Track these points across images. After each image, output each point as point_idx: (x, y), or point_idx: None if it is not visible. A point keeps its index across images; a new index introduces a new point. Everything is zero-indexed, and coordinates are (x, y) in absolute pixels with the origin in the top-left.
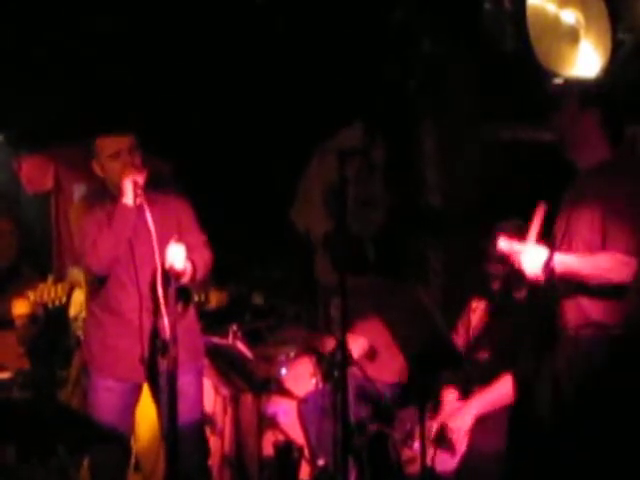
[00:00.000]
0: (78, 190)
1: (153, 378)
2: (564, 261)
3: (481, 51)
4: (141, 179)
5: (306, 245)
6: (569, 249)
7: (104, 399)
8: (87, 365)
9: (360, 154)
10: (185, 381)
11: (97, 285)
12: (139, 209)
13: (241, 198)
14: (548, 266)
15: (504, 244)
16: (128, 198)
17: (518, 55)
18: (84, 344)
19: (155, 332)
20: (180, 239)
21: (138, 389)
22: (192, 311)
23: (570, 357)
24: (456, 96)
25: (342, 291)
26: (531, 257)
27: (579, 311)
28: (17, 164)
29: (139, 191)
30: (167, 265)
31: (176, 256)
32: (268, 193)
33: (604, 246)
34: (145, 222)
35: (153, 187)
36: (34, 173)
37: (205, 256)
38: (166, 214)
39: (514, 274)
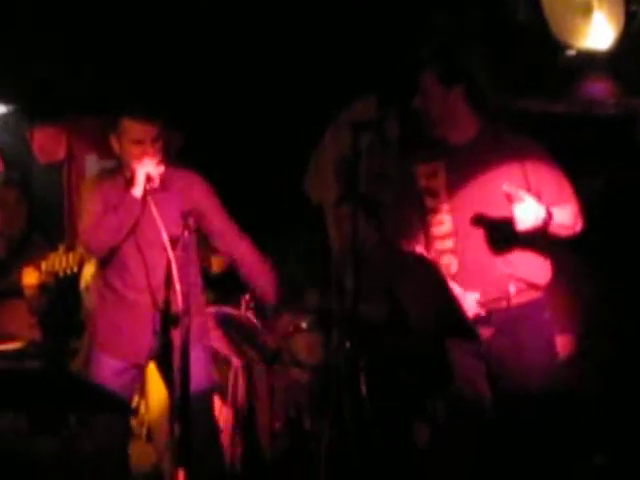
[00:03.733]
0: (90, 161)
1: (165, 350)
2: (555, 213)
3: (494, 21)
4: (155, 172)
5: (318, 215)
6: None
7: (104, 374)
8: (91, 337)
9: (374, 127)
10: (193, 355)
11: (101, 265)
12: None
13: (253, 168)
14: (547, 218)
15: (508, 187)
16: (138, 189)
17: (531, 26)
18: (91, 318)
19: (167, 305)
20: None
21: (139, 369)
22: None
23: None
24: (469, 67)
25: (355, 261)
26: (532, 209)
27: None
28: (30, 134)
29: (152, 183)
30: None
31: None
32: (281, 163)
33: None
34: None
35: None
36: (46, 143)
37: (244, 250)
38: (179, 197)
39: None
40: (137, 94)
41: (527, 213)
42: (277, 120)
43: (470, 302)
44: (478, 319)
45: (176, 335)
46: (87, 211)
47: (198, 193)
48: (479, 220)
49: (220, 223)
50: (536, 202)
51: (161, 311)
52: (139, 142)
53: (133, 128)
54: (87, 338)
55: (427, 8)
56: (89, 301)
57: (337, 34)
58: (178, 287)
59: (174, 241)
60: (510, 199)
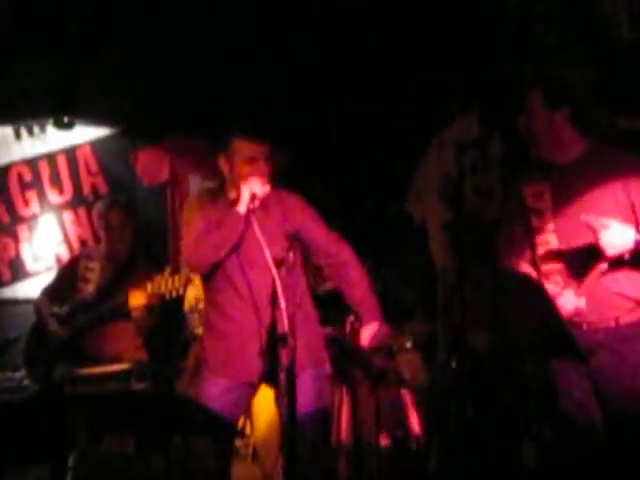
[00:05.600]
0: (193, 181)
1: (272, 370)
2: None
3: (596, 38)
4: (261, 191)
5: (422, 235)
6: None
7: (213, 393)
8: (201, 360)
9: (478, 145)
10: (303, 376)
11: (206, 284)
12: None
13: (356, 187)
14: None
15: (589, 217)
16: (242, 206)
17: (636, 42)
18: (200, 340)
19: (273, 324)
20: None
21: (249, 387)
22: (309, 302)
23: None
24: (574, 87)
25: (459, 279)
26: (618, 233)
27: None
28: (133, 156)
29: (255, 202)
30: None
31: None
32: (383, 183)
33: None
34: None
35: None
36: (150, 165)
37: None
38: (282, 218)
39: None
40: (243, 113)
41: (614, 238)
42: (379, 140)
43: (569, 297)
44: (587, 341)
45: (284, 355)
46: (189, 229)
47: (301, 215)
48: (555, 254)
49: (323, 238)
50: (621, 225)
51: (268, 332)
52: (252, 160)
53: (245, 147)
54: (192, 359)
55: (529, 26)
56: (193, 323)
57: (438, 51)
58: (283, 306)
59: (278, 261)
60: (593, 229)
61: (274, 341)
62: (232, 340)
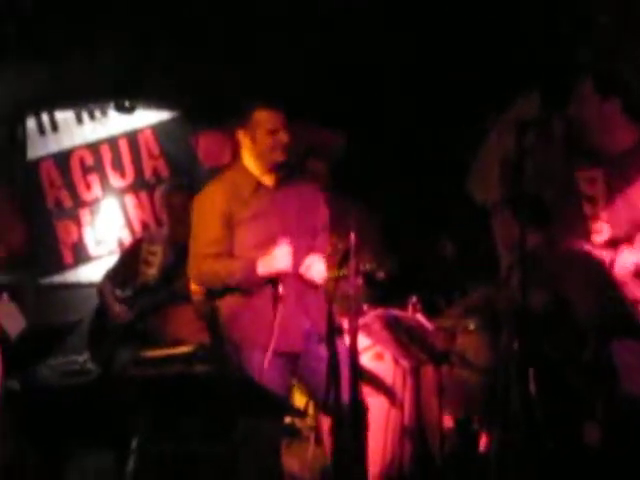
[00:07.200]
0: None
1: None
2: None
3: None
4: (283, 160)
5: (484, 215)
6: None
7: (258, 372)
8: (235, 342)
9: (539, 125)
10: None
11: None
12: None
13: (415, 169)
14: None
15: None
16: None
17: None
18: (227, 323)
19: (331, 315)
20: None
21: (293, 359)
22: None
23: None
24: (628, 75)
25: (522, 259)
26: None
27: None
28: (194, 139)
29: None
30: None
31: (318, 273)
32: (443, 164)
33: None
34: (284, 217)
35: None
36: (212, 148)
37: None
38: (300, 208)
39: None
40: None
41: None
42: (440, 121)
43: (627, 256)
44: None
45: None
46: (199, 232)
47: (324, 212)
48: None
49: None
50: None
51: (326, 322)
52: (275, 131)
53: (267, 118)
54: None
55: (591, 9)
56: None
57: (499, 31)
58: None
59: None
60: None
61: (331, 331)
62: (267, 314)
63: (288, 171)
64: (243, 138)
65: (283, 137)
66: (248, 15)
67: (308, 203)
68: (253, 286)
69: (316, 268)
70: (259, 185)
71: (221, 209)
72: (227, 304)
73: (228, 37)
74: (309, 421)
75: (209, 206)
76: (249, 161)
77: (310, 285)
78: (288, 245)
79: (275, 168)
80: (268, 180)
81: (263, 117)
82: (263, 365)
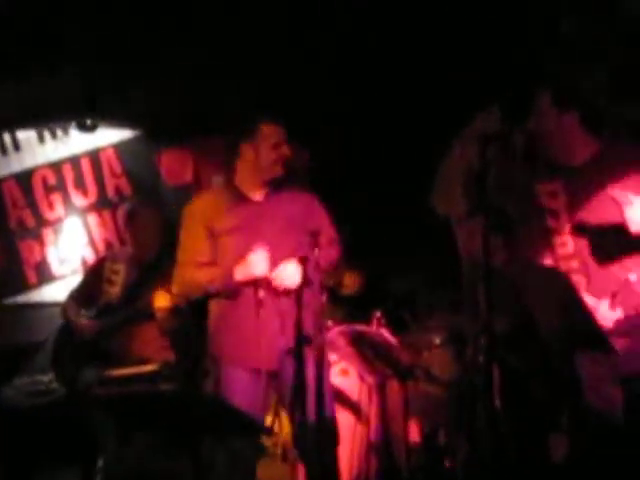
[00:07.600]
0: (216, 181)
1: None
2: None
3: (621, 33)
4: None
5: (446, 229)
6: None
7: (237, 390)
8: (216, 357)
9: (501, 139)
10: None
11: None
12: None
13: (379, 184)
14: None
15: (614, 191)
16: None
17: None
18: (210, 336)
19: (299, 323)
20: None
21: (270, 377)
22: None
23: None
24: (587, 88)
25: (487, 274)
26: None
27: None
28: (157, 157)
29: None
30: (277, 282)
31: (290, 277)
32: (406, 179)
33: None
34: (271, 227)
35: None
36: (174, 166)
37: (331, 254)
38: (292, 214)
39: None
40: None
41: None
42: (401, 135)
43: (604, 310)
44: (615, 329)
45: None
46: (187, 245)
47: (318, 213)
48: (581, 227)
49: (329, 237)
50: None
51: (295, 332)
52: (279, 145)
53: (273, 132)
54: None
55: (551, 19)
56: None
57: (459, 46)
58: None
59: (302, 259)
60: (618, 204)
61: (300, 341)
62: (248, 330)
63: (277, 185)
64: (246, 151)
65: (285, 151)
66: (208, 31)
67: (300, 209)
68: (232, 292)
69: (287, 272)
70: (246, 198)
71: (204, 220)
72: (211, 318)
73: (187, 54)
74: (276, 438)
75: (194, 217)
76: (245, 174)
77: (283, 292)
78: (265, 251)
79: (271, 182)
80: (258, 195)
81: (269, 131)
82: (241, 381)
